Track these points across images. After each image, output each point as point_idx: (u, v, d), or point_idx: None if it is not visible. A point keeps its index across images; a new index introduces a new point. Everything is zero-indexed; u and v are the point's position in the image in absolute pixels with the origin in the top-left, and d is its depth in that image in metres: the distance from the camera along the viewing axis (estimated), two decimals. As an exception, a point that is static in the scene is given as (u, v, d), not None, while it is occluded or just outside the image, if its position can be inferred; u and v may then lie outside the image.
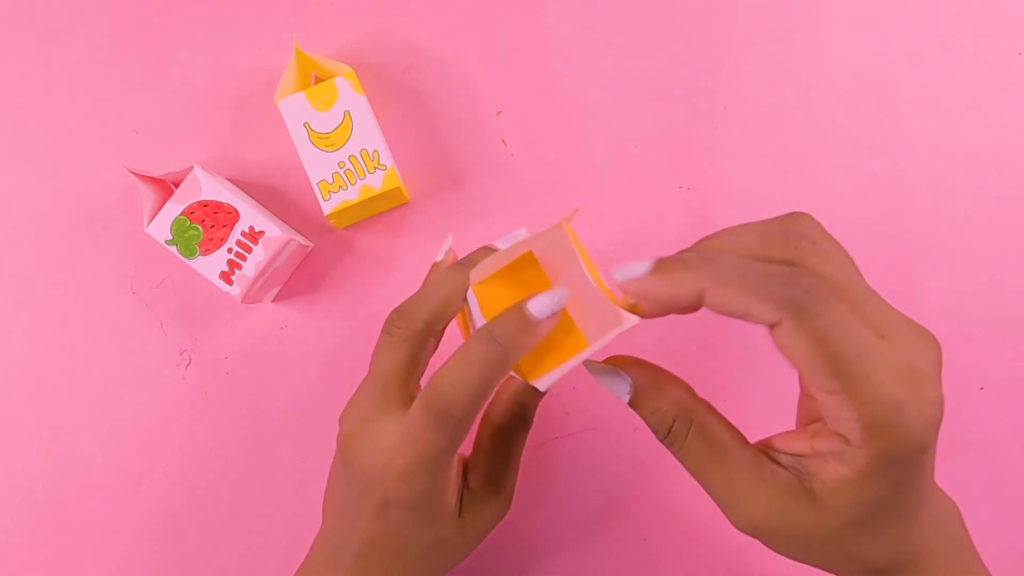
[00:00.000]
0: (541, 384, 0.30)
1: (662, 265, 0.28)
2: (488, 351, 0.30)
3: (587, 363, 0.32)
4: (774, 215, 0.32)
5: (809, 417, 0.32)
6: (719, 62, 0.49)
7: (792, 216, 0.30)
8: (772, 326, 0.27)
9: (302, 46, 0.47)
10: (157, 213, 0.45)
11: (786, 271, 0.27)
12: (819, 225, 0.30)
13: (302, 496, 0.47)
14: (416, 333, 0.33)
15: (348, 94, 0.46)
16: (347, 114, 0.46)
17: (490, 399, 0.36)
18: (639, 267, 0.29)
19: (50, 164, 0.49)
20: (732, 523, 0.31)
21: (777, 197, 0.48)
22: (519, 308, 0.31)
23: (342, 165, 0.45)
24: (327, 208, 0.45)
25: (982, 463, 0.46)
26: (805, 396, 0.33)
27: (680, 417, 0.31)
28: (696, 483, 0.31)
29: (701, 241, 0.31)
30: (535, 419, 0.46)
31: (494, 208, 0.48)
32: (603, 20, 0.50)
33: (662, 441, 0.31)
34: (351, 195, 0.45)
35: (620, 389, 0.32)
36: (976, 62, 0.49)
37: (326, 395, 0.47)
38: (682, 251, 0.30)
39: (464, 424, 0.31)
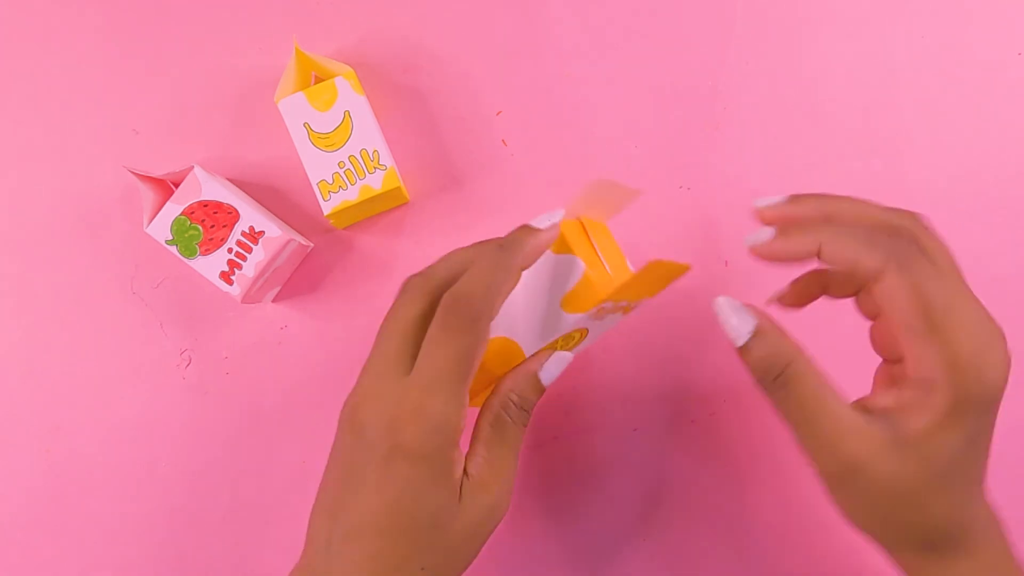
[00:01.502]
0: (546, 371, 0.35)
1: (786, 229, 0.33)
2: (498, 254, 0.34)
3: (716, 300, 0.34)
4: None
5: (888, 381, 0.35)
6: (719, 62, 0.49)
7: (908, 212, 0.34)
8: (875, 278, 0.31)
9: (302, 46, 0.47)
10: (157, 213, 0.45)
11: (892, 235, 0.32)
12: (931, 227, 0.34)
13: (302, 496, 0.47)
14: (433, 290, 0.35)
15: (348, 94, 0.46)
16: (347, 114, 0.46)
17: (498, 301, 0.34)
18: (765, 233, 0.34)
19: (50, 164, 0.49)
20: (821, 468, 0.33)
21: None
22: (525, 225, 0.35)
23: (342, 165, 0.45)
24: (327, 208, 0.45)
25: (982, 463, 0.46)
26: (885, 364, 0.36)
27: (797, 359, 0.33)
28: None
29: (818, 198, 0.35)
30: (535, 419, 0.46)
31: (494, 208, 0.48)
32: (603, 20, 0.50)
33: (769, 384, 0.33)
34: (351, 195, 0.45)
35: (744, 326, 0.33)
36: (976, 62, 0.49)
37: (326, 395, 0.47)
38: (795, 198, 0.35)
39: (481, 324, 0.33)
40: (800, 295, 0.39)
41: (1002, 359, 0.31)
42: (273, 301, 0.49)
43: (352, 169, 0.45)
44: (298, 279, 0.49)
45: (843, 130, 0.49)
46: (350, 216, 0.47)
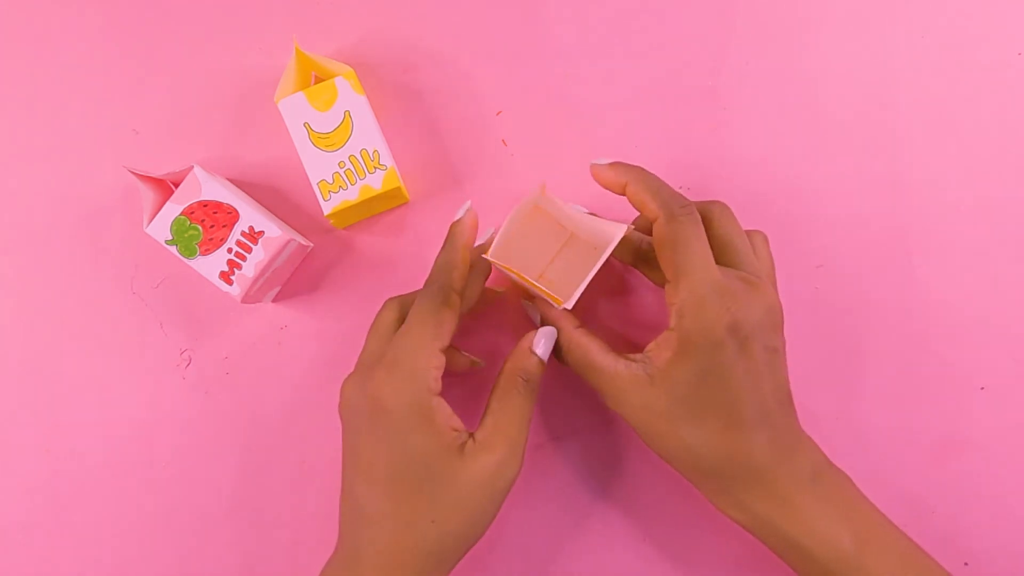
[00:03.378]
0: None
1: (615, 165, 0.41)
2: (445, 245, 0.42)
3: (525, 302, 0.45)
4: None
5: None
6: (719, 62, 0.49)
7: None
8: (654, 221, 0.39)
9: (302, 46, 0.47)
10: (157, 213, 0.45)
11: (678, 193, 0.40)
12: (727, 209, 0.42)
13: (302, 496, 0.47)
14: (408, 302, 0.42)
15: (348, 94, 0.46)
16: (347, 114, 0.46)
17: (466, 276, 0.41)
18: (604, 159, 0.42)
19: (50, 164, 0.50)
20: (609, 406, 0.40)
21: (777, 196, 0.48)
22: (453, 223, 0.42)
23: (342, 165, 0.45)
24: (327, 208, 0.45)
25: (982, 463, 0.46)
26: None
27: (570, 339, 0.41)
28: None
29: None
30: (535, 419, 0.47)
31: (494, 208, 0.48)
32: (603, 20, 0.50)
33: (561, 358, 0.42)
34: (351, 195, 0.45)
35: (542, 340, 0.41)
36: (976, 62, 0.49)
37: (326, 395, 0.47)
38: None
39: (445, 290, 0.39)
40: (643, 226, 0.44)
41: (718, 311, 0.36)
42: (273, 301, 0.49)
43: (352, 169, 0.45)
44: (298, 279, 0.49)
45: (843, 130, 0.49)
46: (350, 216, 0.47)
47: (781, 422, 0.39)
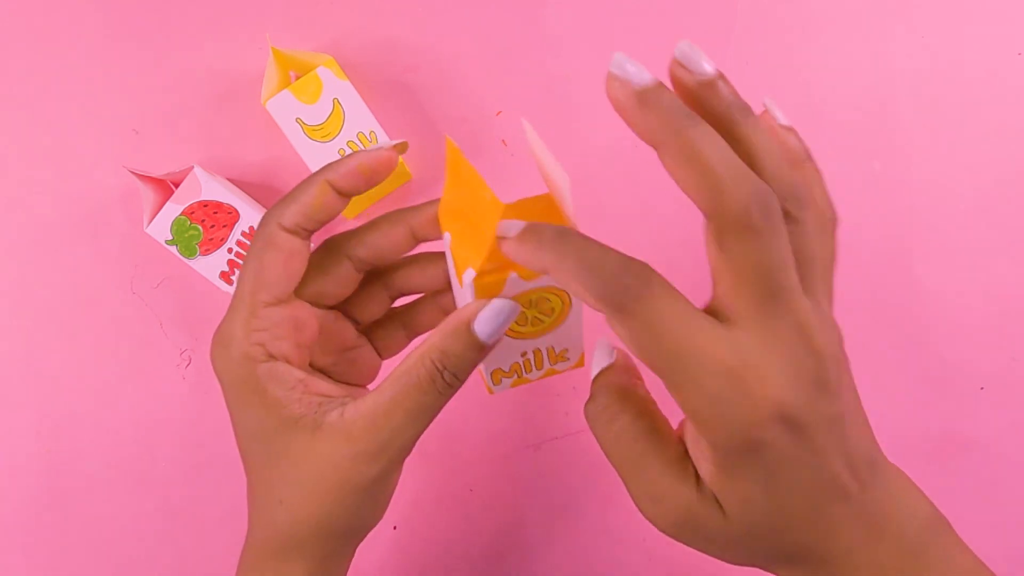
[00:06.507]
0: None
1: (525, 234, 0.27)
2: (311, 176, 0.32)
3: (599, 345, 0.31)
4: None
5: None
6: (719, 62, 0.49)
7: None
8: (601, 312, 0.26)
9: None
10: (157, 213, 0.45)
11: (622, 261, 0.25)
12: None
13: (302, 496, 0.47)
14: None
15: (332, 82, 0.46)
16: (336, 102, 0.46)
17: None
18: (514, 227, 0.28)
19: (50, 164, 0.49)
20: (653, 523, 0.29)
21: (777, 197, 0.48)
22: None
23: (342, 152, 0.45)
24: None
25: (982, 463, 0.46)
26: None
27: (629, 396, 0.30)
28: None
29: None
30: (535, 419, 0.46)
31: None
32: (603, 20, 0.50)
33: (596, 416, 0.30)
34: None
35: (605, 356, 0.31)
36: (976, 62, 0.49)
37: (326, 395, 0.47)
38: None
39: (267, 226, 0.31)
40: None
41: (752, 398, 0.25)
42: (273, 301, 0.49)
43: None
44: (298, 279, 0.49)
45: (843, 130, 0.49)
46: (360, 203, 0.47)
47: (861, 498, 0.28)
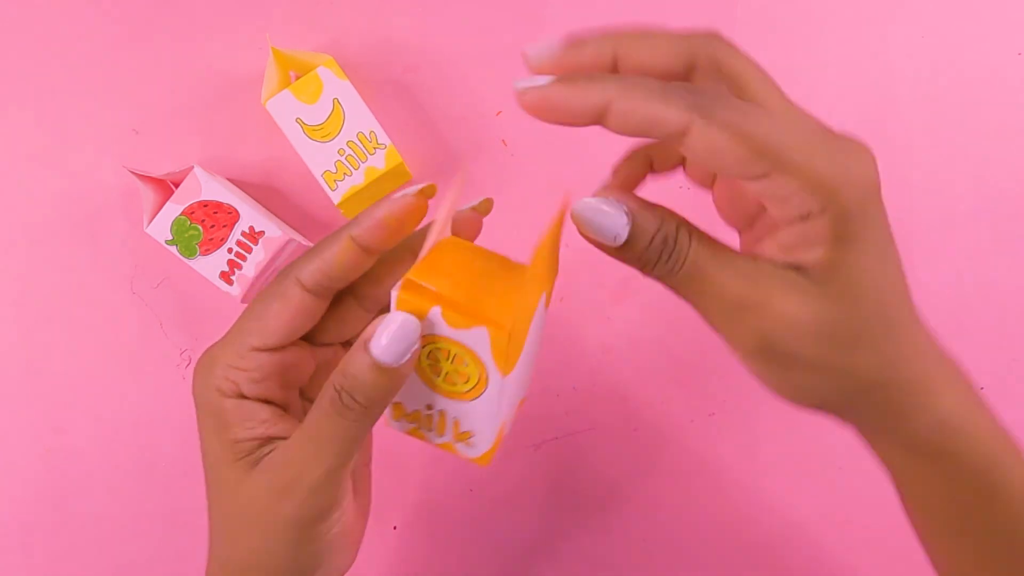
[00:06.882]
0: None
1: (569, 74, 0.27)
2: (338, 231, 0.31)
3: (575, 212, 0.29)
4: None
5: (753, 244, 0.30)
6: (719, 62, 0.49)
7: (704, 34, 0.30)
8: (682, 134, 0.25)
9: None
10: (157, 213, 0.45)
11: (688, 84, 0.27)
12: (733, 47, 0.29)
13: (302, 496, 0.47)
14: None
15: (333, 82, 0.46)
16: (336, 102, 0.46)
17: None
18: (541, 78, 0.27)
19: (50, 164, 0.49)
20: (739, 344, 0.28)
21: (777, 197, 0.48)
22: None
23: (342, 152, 0.45)
24: (336, 197, 0.45)
25: (982, 463, 0.46)
26: (744, 234, 0.32)
27: (683, 225, 0.29)
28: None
29: (602, 37, 0.30)
30: (535, 419, 0.46)
31: (494, 208, 0.48)
32: (603, 20, 0.50)
33: (658, 268, 0.29)
34: (357, 179, 0.45)
35: (618, 222, 0.28)
36: (976, 62, 0.49)
37: (326, 395, 0.47)
38: (577, 41, 0.30)
39: (283, 276, 0.30)
40: (627, 180, 0.33)
41: (857, 164, 0.27)
42: (273, 301, 0.49)
43: (353, 154, 0.45)
44: (298, 279, 0.49)
45: (843, 130, 0.49)
46: (360, 202, 0.47)
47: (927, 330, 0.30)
